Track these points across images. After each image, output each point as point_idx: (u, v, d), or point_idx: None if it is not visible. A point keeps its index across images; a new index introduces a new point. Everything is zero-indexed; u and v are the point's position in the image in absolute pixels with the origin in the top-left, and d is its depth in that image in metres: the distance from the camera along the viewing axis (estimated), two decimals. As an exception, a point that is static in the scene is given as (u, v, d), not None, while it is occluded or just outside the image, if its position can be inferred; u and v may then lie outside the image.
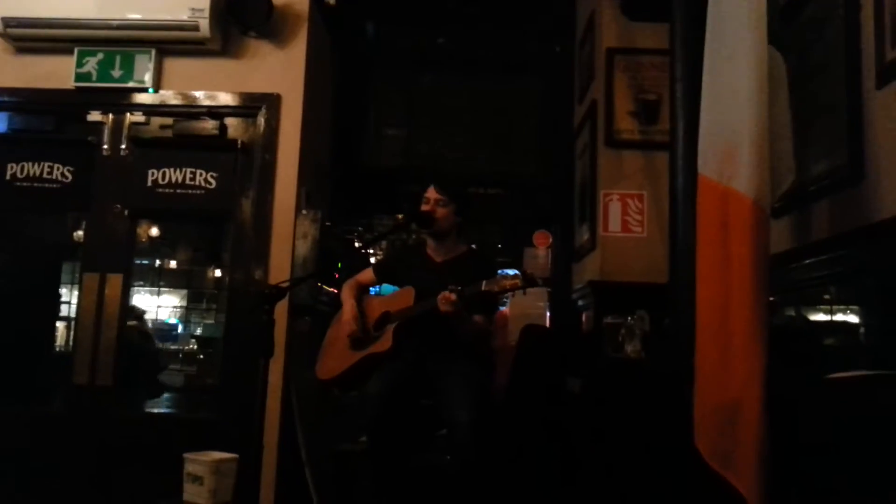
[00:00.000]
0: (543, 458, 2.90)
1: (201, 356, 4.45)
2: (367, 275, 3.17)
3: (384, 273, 3.18)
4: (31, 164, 3.75)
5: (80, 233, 3.89)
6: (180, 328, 4.72)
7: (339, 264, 3.82)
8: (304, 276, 3.31)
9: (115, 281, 3.61)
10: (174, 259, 4.58)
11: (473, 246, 3.23)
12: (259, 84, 3.64)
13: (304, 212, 3.59)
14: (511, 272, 2.67)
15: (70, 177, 3.75)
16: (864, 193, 1.86)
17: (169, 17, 3.50)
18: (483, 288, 2.63)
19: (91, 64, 3.66)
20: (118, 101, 3.70)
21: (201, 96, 3.67)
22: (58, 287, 4.19)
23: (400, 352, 2.82)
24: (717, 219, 1.84)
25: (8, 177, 3.73)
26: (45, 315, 4.11)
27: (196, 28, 3.49)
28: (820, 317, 2.13)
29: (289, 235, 3.53)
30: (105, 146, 3.70)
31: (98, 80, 3.65)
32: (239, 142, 3.64)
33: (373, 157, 4.78)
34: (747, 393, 1.62)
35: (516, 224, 4.72)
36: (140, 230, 3.90)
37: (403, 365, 2.84)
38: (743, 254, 1.72)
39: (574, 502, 2.71)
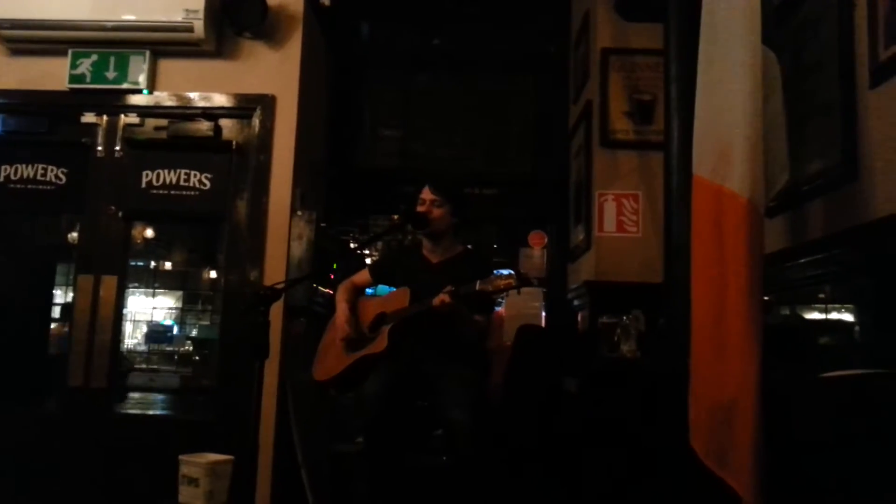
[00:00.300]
0: (540, 457, 2.90)
1: (196, 358, 4.45)
2: (362, 276, 3.17)
3: (380, 274, 3.18)
4: (24, 165, 3.75)
5: (75, 234, 3.88)
6: (175, 330, 4.72)
7: (335, 265, 3.81)
8: (300, 278, 3.30)
9: (109, 282, 3.60)
10: (169, 261, 4.57)
11: (469, 246, 3.23)
12: (254, 85, 3.64)
13: (298, 213, 3.59)
14: (506, 272, 2.66)
15: (64, 178, 3.75)
16: (858, 192, 1.87)
17: (163, 19, 3.50)
18: (477, 288, 2.62)
19: (85, 65, 3.65)
20: (112, 102, 3.69)
21: (196, 97, 3.66)
22: (52, 289, 4.18)
23: (396, 352, 2.81)
24: (712, 218, 1.84)
25: (1, 179, 3.72)
26: (39, 317, 4.10)
27: (190, 29, 3.49)
28: (814, 315, 2.14)
29: (284, 236, 3.53)
30: (99, 148, 3.70)
31: (92, 82, 3.64)
32: (234, 143, 3.64)
33: (368, 157, 4.77)
34: (742, 392, 1.62)
35: (512, 224, 4.72)
36: (135, 232, 3.89)
37: (400, 366, 2.84)
38: (737, 253, 1.73)
39: (571, 502, 2.71)
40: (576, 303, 3.92)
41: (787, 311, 2.26)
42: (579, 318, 3.83)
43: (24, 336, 3.94)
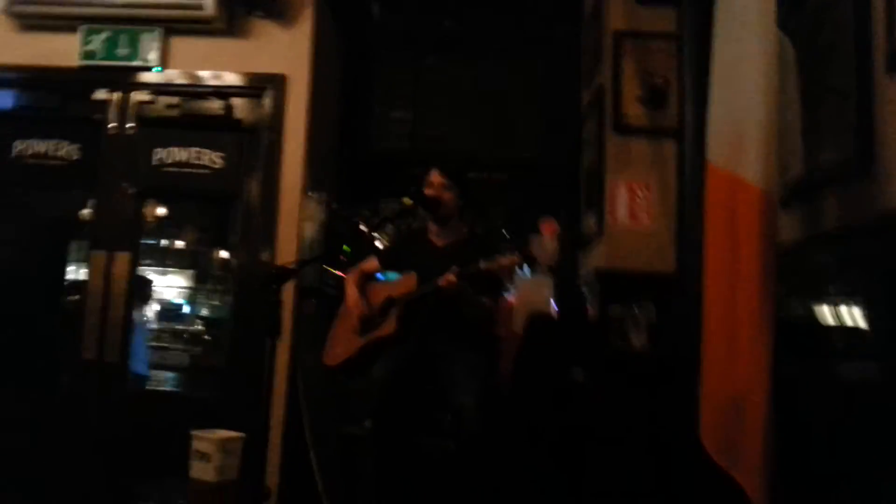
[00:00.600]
0: (547, 445, 2.92)
1: (207, 337, 4.48)
2: (370, 263, 3.18)
3: (388, 261, 3.19)
4: (37, 141, 3.75)
5: (87, 211, 3.90)
6: (187, 308, 4.76)
7: (346, 247, 3.82)
8: (312, 258, 3.32)
9: (122, 259, 3.62)
10: (181, 239, 4.59)
11: (475, 230, 3.23)
12: (265, 64, 3.63)
13: (310, 193, 3.59)
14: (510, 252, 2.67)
15: (76, 154, 3.75)
16: (874, 183, 1.84)
17: (175, -4, 3.49)
18: (482, 266, 2.63)
19: (97, 42, 3.65)
20: (124, 79, 3.69)
21: (207, 76, 3.66)
22: (65, 264, 4.21)
23: (404, 335, 2.83)
24: (726, 207, 1.83)
25: (15, 154, 3.73)
26: (52, 292, 4.13)
27: (201, 7, 3.48)
28: (826, 308, 2.12)
29: (295, 217, 3.54)
30: (111, 124, 3.70)
31: (104, 59, 3.64)
32: (245, 122, 3.64)
33: (378, 140, 4.76)
34: (753, 385, 1.61)
35: (522, 211, 4.70)
36: (146, 210, 3.91)
37: (408, 350, 2.86)
38: (751, 243, 1.71)
39: (578, 492, 2.73)
40: (586, 291, 3.91)
41: (798, 303, 2.25)
42: (589, 307, 3.81)
43: (39, 310, 3.97)
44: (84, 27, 3.63)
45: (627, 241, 3.48)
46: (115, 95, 3.71)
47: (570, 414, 2.86)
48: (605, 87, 3.66)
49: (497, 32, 4.71)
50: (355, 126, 4.65)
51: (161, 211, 4.25)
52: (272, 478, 3.29)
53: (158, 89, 3.69)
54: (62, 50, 3.65)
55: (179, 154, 3.67)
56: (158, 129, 3.69)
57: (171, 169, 3.66)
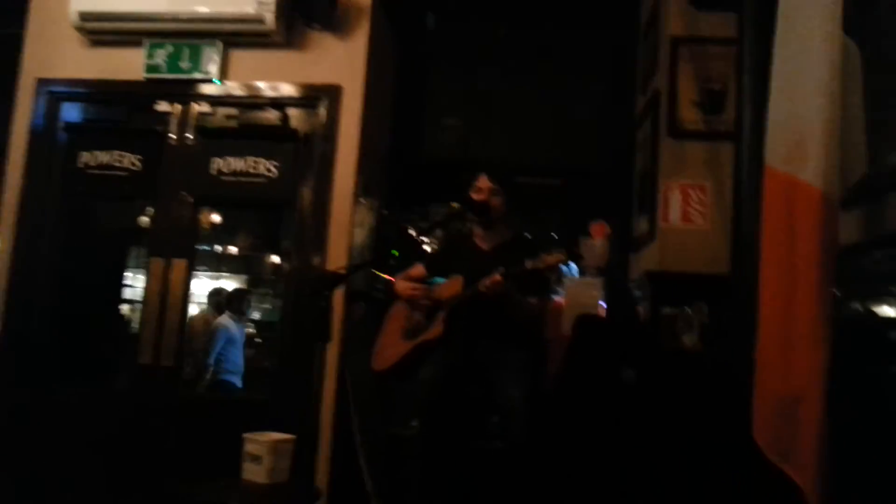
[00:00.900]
0: (596, 447, 2.88)
1: (259, 340, 4.56)
2: (417, 269, 3.21)
3: (434, 266, 3.21)
4: (102, 152, 3.88)
5: (145, 218, 4.02)
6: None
7: (395, 252, 3.86)
8: (362, 263, 3.36)
9: (179, 265, 3.71)
10: (234, 245, 4.70)
11: (522, 232, 3.23)
12: (321, 75, 3.70)
13: (361, 200, 3.64)
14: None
15: (139, 165, 3.87)
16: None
17: (235, 11, 3.59)
18: (528, 266, 2.63)
19: (160, 56, 3.77)
20: (185, 91, 3.80)
21: (265, 87, 3.75)
22: (124, 271, 4.35)
23: (451, 337, 2.84)
24: (784, 209, 1.81)
25: (80, 164, 3.87)
26: (112, 297, 4.26)
27: (262, 21, 3.57)
28: (887, 311, 2.06)
29: (347, 223, 3.59)
30: (172, 135, 3.81)
31: (167, 72, 3.76)
32: (300, 131, 3.72)
33: (430, 147, 4.81)
34: (808, 387, 1.60)
35: (573, 214, 4.68)
36: (201, 217, 4.00)
37: (455, 352, 2.87)
38: (809, 245, 1.69)
39: (627, 493, 2.69)
40: (637, 293, 3.87)
41: (858, 306, 2.18)
42: (640, 308, 3.78)
43: (98, 315, 4.11)
44: (148, 42, 3.77)
45: (680, 243, 3.45)
46: (177, 107, 3.82)
47: (619, 414, 2.82)
48: (661, 92, 3.65)
49: (552, 40, 4.73)
50: (408, 133, 4.70)
51: (216, 218, 4.37)
52: (322, 479, 3.32)
53: (218, 101, 3.80)
54: (128, 64, 3.78)
55: (236, 163, 3.75)
56: (217, 139, 3.78)
57: (228, 178, 3.74)
